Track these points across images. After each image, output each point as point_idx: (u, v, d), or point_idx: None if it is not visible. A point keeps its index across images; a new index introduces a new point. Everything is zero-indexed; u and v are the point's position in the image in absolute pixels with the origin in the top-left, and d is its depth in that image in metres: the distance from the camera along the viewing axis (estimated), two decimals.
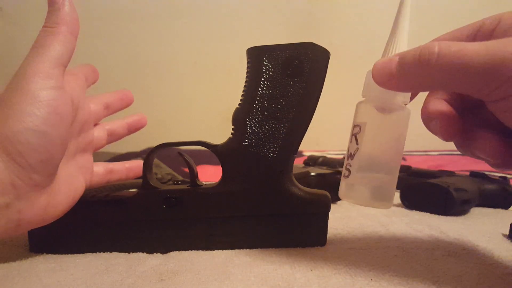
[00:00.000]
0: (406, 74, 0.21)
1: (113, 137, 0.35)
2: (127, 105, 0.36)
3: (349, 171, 0.24)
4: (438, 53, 0.19)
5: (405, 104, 0.24)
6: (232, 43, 1.22)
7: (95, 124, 0.33)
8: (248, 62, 0.28)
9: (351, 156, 0.24)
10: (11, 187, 0.22)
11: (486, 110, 0.21)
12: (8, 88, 0.23)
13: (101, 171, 0.33)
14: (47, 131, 0.23)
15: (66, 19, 0.25)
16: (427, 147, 1.00)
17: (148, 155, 0.29)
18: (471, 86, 0.19)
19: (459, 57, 0.19)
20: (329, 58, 0.28)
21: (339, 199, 0.47)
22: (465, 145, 0.23)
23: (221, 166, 0.28)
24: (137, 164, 0.36)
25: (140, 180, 0.29)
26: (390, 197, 0.23)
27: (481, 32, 0.23)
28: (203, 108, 1.26)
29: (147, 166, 0.29)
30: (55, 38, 0.25)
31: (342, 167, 0.50)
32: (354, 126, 0.24)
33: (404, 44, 0.23)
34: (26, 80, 0.23)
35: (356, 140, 0.24)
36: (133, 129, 0.36)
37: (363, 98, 0.25)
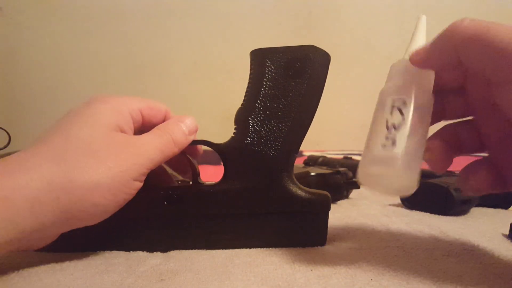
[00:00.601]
0: (437, 47, 0.22)
1: None
2: None
3: (394, 141, 0.22)
4: (465, 25, 0.21)
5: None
6: (232, 43, 1.22)
7: None
8: (251, 64, 0.29)
9: (394, 127, 0.23)
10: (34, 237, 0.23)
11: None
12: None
13: None
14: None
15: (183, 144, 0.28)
16: None
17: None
18: (488, 61, 0.20)
19: (483, 32, 0.20)
20: (329, 61, 0.29)
21: (339, 199, 0.47)
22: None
23: (223, 165, 0.28)
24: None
25: None
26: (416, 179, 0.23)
27: None
28: (203, 108, 1.26)
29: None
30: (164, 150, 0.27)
31: (342, 167, 0.50)
32: (395, 99, 0.23)
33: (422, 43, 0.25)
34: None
35: (401, 112, 0.23)
36: None
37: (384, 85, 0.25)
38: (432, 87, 0.25)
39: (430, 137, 0.26)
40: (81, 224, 0.25)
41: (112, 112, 0.26)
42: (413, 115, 0.23)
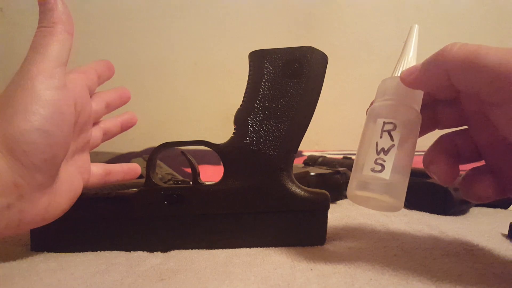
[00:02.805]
0: (429, 69, 0.23)
1: (107, 136, 0.35)
2: (125, 103, 0.36)
3: (383, 166, 0.23)
4: (455, 50, 0.21)
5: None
6: (232, 43, 1.22)
7: (94, 124, 0.33)
8: (250, 65, 0.29)
9: (384, 151, 0.24)
10: (13, 187, 0.22)
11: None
12: (10, 87, 0.23)
13: (100, 172, 0.33)
14: (51, 131, 0.23)
15: (61, 18, 0.25)
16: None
17: (152, 154, 0.30)
18: (483, 84, 0.21)
19: (474, 56, 0.20)
20: (327, 61, 0.29)
21: (339, 199, 0.47)
22: (465, 190, 0.26)
23: (223, 165, 0.29)
24: (135, 167, 0.36)
25: (142, 181, 0.30)
26: (403, 198, 0.24)
27: None
28: (203, 108, 1.26)
29: (150, 165, 0.29)
30: (53, 38, 0.25)
31: (341, 167, 0.50)
32: (385, 123, 0.24)
33: (414, 61, 0.25)
34: (30, 79, 0.23)
35: (391, 136, 0.24)
36: (125, 127, 0.37)
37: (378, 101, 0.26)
38: (420, 105, 0.25)
39: (429, 148, 0.27)
40: (35, 159, 0.22)
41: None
42: (402, 139, 0.24)
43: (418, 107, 0.25)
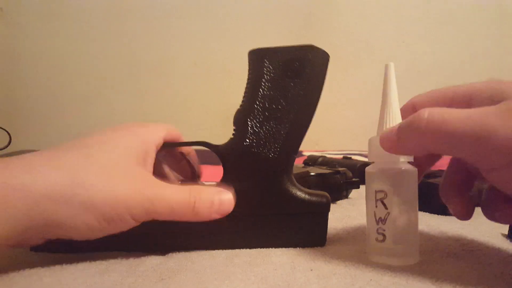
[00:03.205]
0: (404, 140, 0.23)
1: None
2: None
3: (384, 236, 0.25)
4: (427, 120, 0.21)
5: (408, 161, 0.25)
6: (232, 43, 1.22)
7: None
8: (249, 64, 0.28)
9: (381, 220, 0.25)
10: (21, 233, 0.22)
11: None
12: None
13: None
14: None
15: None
16: None
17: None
18: (461, 153, 0.21)
19: (446, 125, 0.20)
20: (328, 60, 0.28)
21: (339, 199, 0.47)
22: (487, 216, 0.26)
23: (222, 166, 0.28)
24: None
25: None
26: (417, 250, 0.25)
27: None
28: (203, 108, 1.26)
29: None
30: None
31: (341, 166, 0.50)
32: (377, 191, 0.25)
33: (396, 112, 0.25)
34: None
35: (384, 205, 0.25)
36: None
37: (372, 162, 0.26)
38: (413, 157, 0.25)
39: (443, 180, 0.28)
40: (65, 236, 0.24)
41: (138, 145, 0.26)
42: (396, 203, 0.24)
43: (411, 159, 0.25)
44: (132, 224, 0.24)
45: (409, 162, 0.25)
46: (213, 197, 0.26)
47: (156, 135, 0.28)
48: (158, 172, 0.28)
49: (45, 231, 0.23)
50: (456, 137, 0.20)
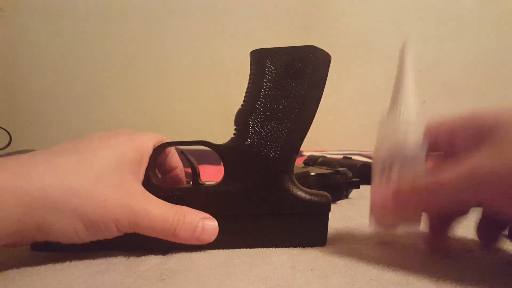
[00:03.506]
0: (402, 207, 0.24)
1: None
2: None
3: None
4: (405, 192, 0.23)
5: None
6: (232, 43, 1.22)
7: None
8: (251, 64, 0.29)
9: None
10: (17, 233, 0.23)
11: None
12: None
13: None
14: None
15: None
16: None
17: (152, 154, 0.29)
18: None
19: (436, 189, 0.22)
20: (330, 61, 0.29)
21: (339, 199, 0.47)
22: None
23: (223, 166, 0.28)
24: None
25: None
26: None
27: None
28: (203, 108, 1.26)
29: (151, 165, 0.29)
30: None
31: (341, 166, 0.50)
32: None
33: (411, 93, 0.25)
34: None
35: None
36: None
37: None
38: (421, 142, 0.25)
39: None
40: (54, 239, 0.24)
41: (132, 153, 0.27)
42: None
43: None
44: (116, 233, 0.25)
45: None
46: (197, 223, 0.26)
47: (149, 143, 0.28)
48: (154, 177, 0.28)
49: (35, 234, 0.23)
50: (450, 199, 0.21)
